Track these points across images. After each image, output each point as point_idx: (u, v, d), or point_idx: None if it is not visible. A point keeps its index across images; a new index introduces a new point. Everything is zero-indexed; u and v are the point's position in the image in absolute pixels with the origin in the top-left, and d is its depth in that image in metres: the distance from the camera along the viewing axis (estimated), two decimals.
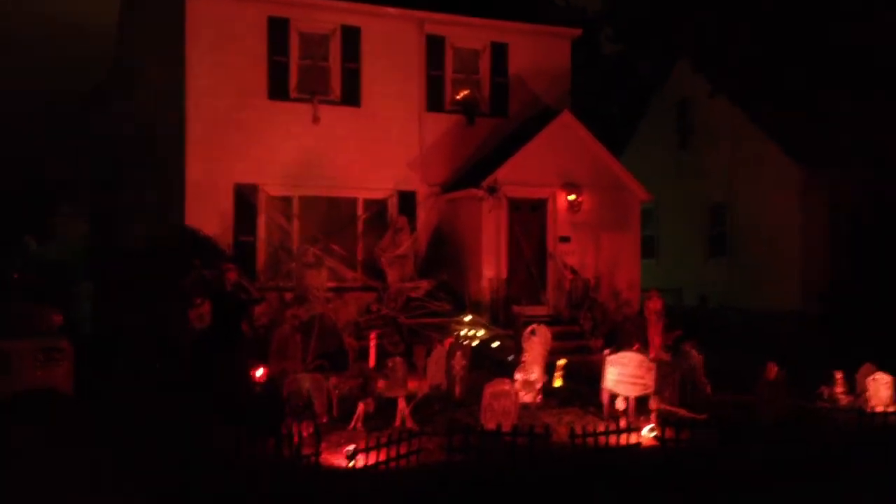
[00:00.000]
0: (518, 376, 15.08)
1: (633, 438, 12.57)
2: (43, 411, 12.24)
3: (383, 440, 11.81)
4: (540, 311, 21.44)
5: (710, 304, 26.94)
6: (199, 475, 9.98)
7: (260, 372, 13.78)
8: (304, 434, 12.11)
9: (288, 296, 19.76)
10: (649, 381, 13.81)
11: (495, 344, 19.71)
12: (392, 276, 21.09)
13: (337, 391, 13.86)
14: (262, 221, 21.17)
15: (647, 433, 12.85)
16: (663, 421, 13.31)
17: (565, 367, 17.29)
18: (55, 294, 21.58)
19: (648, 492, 10.56)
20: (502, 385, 13.15)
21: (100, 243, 27.66)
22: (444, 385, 16.46)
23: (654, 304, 20.57)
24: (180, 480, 9.98)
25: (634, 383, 13.78)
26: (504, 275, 21.71)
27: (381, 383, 15.20)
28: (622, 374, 13.85)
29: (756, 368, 15.27)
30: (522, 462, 11.37)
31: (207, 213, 20.31)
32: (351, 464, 10.98)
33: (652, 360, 14.47)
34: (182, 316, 16.19)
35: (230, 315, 15.43)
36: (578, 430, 12.16)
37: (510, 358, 19.36)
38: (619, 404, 13.89)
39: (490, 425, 12.80)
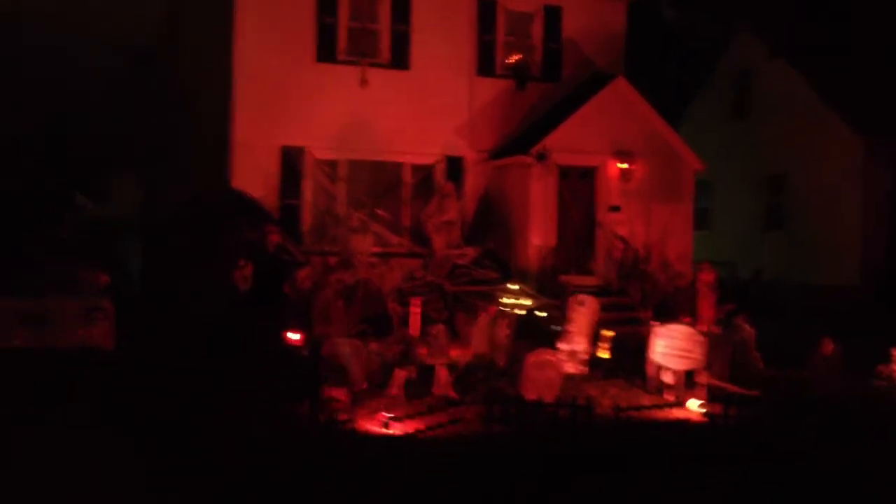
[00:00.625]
0: (563, 346, 14.74)
1: (681, 413, 12.19)
2: (81, 367, 12.23)
3: (422, 408, 11.63)
4: (588, 281, 20.98)
5: (765, 278, 26.19)
6: (231, 438, 9.86)
7: (297, 336, 13.56)
8: (342, 399, 11.96)
9: (332, 260, 19.55)
10: (698, 354, 13.37)
11: (541, 314, 19.35)
12: (438, 242, 20.79)
13: (378, 357, 13.66)
14: (307, 185, 20.93)
15: (695, 408, 12.45)
16: (712, 396, 12.89)
17: (612, 339, 16.88)
18: (105, 254, 21.72)
19: (695, 468, 10.18)
20: (545, 355, 12.84)
21: (150, 205, 27.81)
22: (487, 354, 16.20)
23: (707, 276, 19.85)
24: (210, 444, 9.85)
25: (683, 356, 13.36)
26: (552, 243, 21.26)
27: (422, 350, 14.98)
28: (670, 347, 13.43)
29: (810, 344, 14.74)
30: (564, 434, 11.07)
31: (253, 176, 20.13)
32: (388, 431, 10.77)
33: (702, 334, 14.00)
34: (226, 277, 16.12)
35: (272, 277, 15.34)
36: (623, 404, 11.81)
37: (556, 328, 19.04)
38: (667, 378, 13.49)
39: (531, 396, 12.50)
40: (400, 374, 12.98)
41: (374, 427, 11.01)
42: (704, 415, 12.25)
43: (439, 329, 15.83)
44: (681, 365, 13.39)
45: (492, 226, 21.78)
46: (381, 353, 13.99)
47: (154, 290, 21.77)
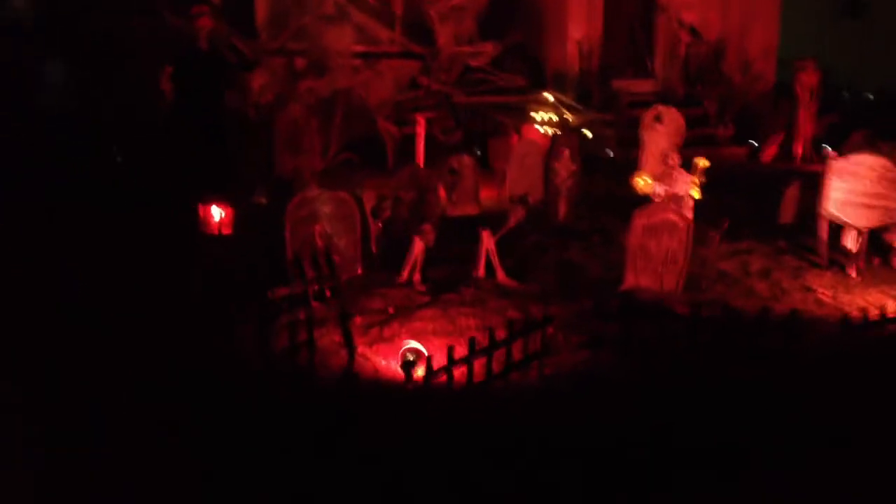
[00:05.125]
0: (656, 188, 9.55)
1: None
2: None
3: (466, 316, 6.73)
4: (644, 86, 15.80)
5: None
6: None
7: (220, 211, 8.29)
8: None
9: (300, 63, 13.91)
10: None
11: (587, 133, 14.09)
12: (444, 35, 15.01)
13: (378, 219, 8.51)
14: None
15: None
16: None
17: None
18: None
19: None
20: (664, 213, 7.71)
21: None
22: (530, 196, 11.11)
23: (809, 78, 14.85)
24: None
25: (873, 206, 8.32)
26: (598, 36, 15.69)
27: (441, 192, 9.95)
28: (853, 192, 8.34)
29: None
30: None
31: None
32: (416, 376, 5.75)
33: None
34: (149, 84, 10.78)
35: (208, 84, 10.06)
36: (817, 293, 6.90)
37: (609, 154, 13.90)
38: (848, 241, 8.52)
39: (645, 281, 7.54)
40: (419, 245, 7.88)
41: (386, 365, 6.03)
42: None
43: (463, 162, 10.67)
44: (870, 220, 8.35)
45: (517, 12, 16.00)
46: (381, 207, 8.83)
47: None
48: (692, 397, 5.46)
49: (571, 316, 6.94)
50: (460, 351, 5.43)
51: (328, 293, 7.37)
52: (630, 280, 7.56)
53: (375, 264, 8.22)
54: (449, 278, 7.95)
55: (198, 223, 8.36)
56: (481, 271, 7.98)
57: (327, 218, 7.50)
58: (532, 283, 7.85)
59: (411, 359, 5.65)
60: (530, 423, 5.02)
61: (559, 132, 11.17)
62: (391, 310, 7.06)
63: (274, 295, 6.20)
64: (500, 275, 7.89)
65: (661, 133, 11.99)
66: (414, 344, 5.81)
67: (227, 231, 8.38)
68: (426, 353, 5.73)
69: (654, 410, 5.26)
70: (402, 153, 13.42)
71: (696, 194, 10.94)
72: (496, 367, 5.64)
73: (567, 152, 9.99)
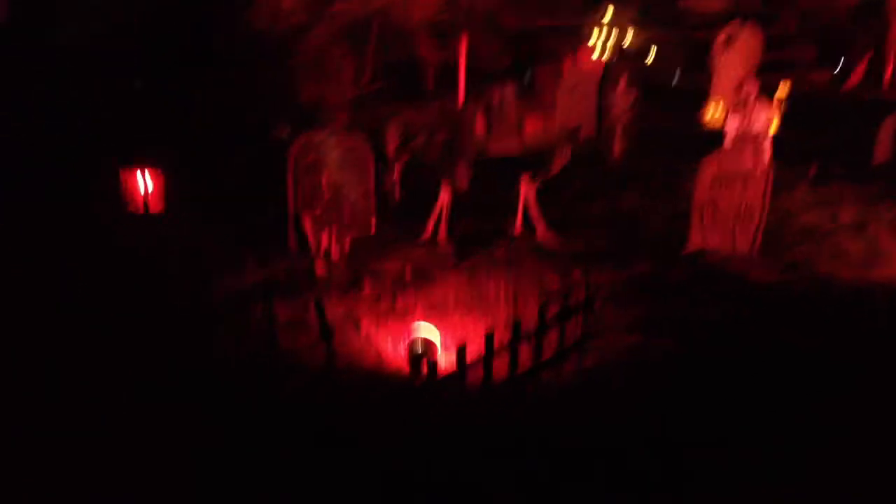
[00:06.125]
0: (729, 123, 8.16)
1: None
2: None
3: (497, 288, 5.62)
4: (715, 4, 14.05)
5: None
6: None
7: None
8: (320, 271, 5.94)
9: None
10: None
11: (649, 58, 12.68)
12: None
13: (398, 160, 7.35)
14: None
15: None
16: None
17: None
18: None
19: None
20: (738, 160, 6.38)
21: None
22: (582, 131, 9.84)
23: None
24: None
25: None
26: None
27: (479, 126, 8.82)
28: None
29: None
30: None
31: None
32: (440, 371, 4.64)
33: None
34: None
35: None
36: None
37: (675, 81, 12.47)
38: None
39: (714, 241, 6.30)
40: (446, 195, 6.70)
41: (387, 348, 4.93)
42: None
43: (505, 90, 9.42)
44: None
45: None
46: (405, 147, 7.67)
47: None
48: (764, 402, 4.29)
49: (623, 285, 5.74)
50: (473, 348, 4.28)
51: (335, 252, 6.30)
52: (696, 240, 6.32)
53: (395, 217, 7.09)
54: (481, 233, 6.80)
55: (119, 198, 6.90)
56: (518, 225, 6.80)
57: (336, 165, 6.35)
58: (577, 241, 6.64)
59: (420, 352, 4.55)
60: (550, 446, 3.88)
61: (616, 58, 9.72)
62: (408, 275, 5.94)
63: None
64: (541, 230, 6.70)
65: (734, 57, 10.54)
66: (425, 330, 4.68)
67: (156, 208, 6.98)
68: (438, 344, 4.62)
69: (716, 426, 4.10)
70: (442, 80, 12.19)
71: (775, 127, 9.55)
72: (526, 356, 4.52)
73: (624, 81, 8.65)
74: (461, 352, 4.03)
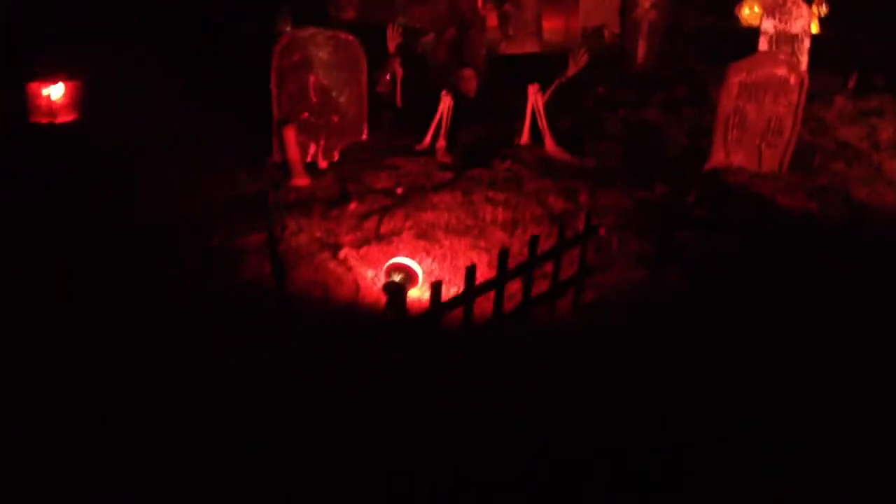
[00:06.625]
0: (764, 23, 7.43)
1: None
2: None
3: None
4: None
5: None
6: None
7: None
8: (302, 182, 5.48)
9: None
10: None
11: None
12: None
13: (396, 60, 6.71)
14: None
15: None
16: None
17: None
18: None
19: None
20: (772, 66, 5.68)
21: None
22: (607, 30, 9.13)
23: None
24: None
25: None
26: None
27: (492, 23, 8.30)
28: None
29: None
30: None
31: None
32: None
33: None
34: None
35: None
36: None
37: None
38: None
39: (738, 159, 5.70)
40: (446, 101, 6.13)
41: (367, 275, 4.47)
42: None
43: None
44: None
45: None
46: (405, 39, 7.02)
47: None
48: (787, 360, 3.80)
49: (635, 208, 5.20)
50: (460, 280, 3.83)
51: (322, 160, 5.80)
52: (719, 157, 5.72)
53: (394, 124, 6.55)
54: (485, 143, 6.25)
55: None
56: (525, 137, 6.23)
57: (324, 66, 5.77)
58: (589, 156, 6.07)
59: (396, 279, 4.09)
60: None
61: None
62: (399, 190, 5.44)
63: None
64: (549, 143, 6.13)
65: None
66: (403, 260, 4.21)
67: (67, 117, 6.28)
68: (419, 272, 4.16)
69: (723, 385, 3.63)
70: None
71: (815, 27, 8.88)
72: (519, 290, 4.04)
73: None
74: (436, 288, 3.55)
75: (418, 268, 4.23)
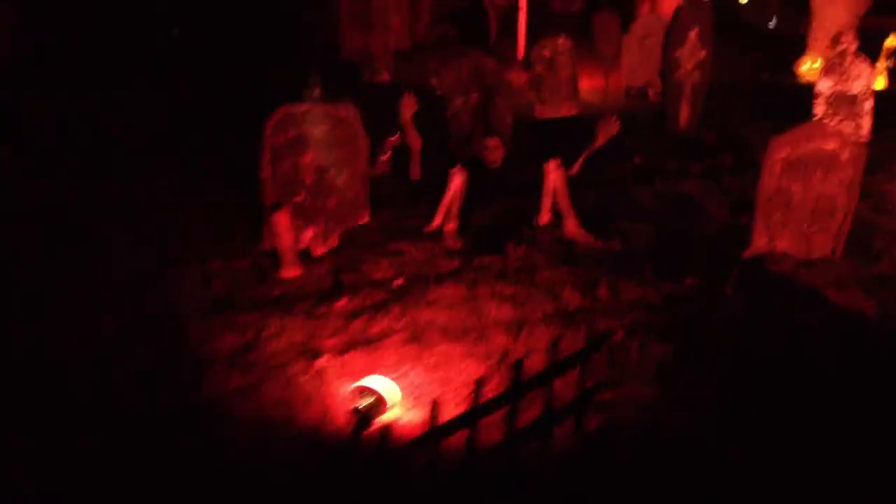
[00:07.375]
0: (819, 84, 6.73)
1: None
2: None
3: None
4: None
5: None
6: None
7: None
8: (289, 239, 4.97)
9: None
10: None
11: None
12: None
13: (408, 132, 6.22)
14: None
15: None
16: None
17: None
18: None
19: None
20: (820, 138, 4.98)
21: None
22: (651, 89, 8.53)
23: None
24: None
25: None
26: None
27: (520, 84, 7.84)
28: None
29: None
30: None
31: None
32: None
33: None
34: None
35: None
36: None
37: (771, 25, 10.86)
38: None
39: (784, 244, 5.01)
40: (457, 181, 5.59)
41: (341, 392, 3.92)
42: None
43: (560, 46, 8.11)
44: None
45: None
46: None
47: None
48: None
49: (661, 304, 4.55)
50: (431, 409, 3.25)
51: (319, 247, 5.30)
52: (760, 241, 5.04)
53: (407, 202, 6.03)
54: (501, 223, 5.66)
55: None
56: (545, 216, 5.64)
57: (320, 144, 5.30)
58: (615, 237, 5.44)
59: (361, 406, 3.53)
60: None
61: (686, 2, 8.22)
62: (397, 283, 4.89)
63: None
64: (570, 225, 5.52)
65: None
66: (374, 381, 3.65)
67: None
68: (387, 399, 3.59)
69: None
70: (506, 27, 10.99)
71: (882, 83, 8.18)
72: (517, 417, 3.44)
73: (695, 33, 7.23)
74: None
75: (393, 389, 3.65)
